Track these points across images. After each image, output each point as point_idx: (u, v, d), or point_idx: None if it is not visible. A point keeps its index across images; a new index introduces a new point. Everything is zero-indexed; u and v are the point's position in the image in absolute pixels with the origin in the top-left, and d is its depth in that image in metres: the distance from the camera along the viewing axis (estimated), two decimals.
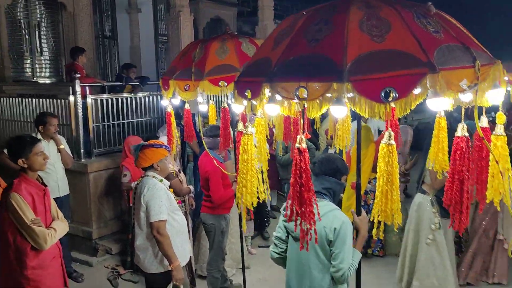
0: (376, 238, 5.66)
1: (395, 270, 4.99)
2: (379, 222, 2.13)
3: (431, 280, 4.49)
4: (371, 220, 2.19)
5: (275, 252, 2.84)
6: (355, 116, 2.60)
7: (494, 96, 2.12)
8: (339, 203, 4.57)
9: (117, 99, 6.56)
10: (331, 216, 2.56)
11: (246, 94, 2.21)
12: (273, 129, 3.64)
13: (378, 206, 2.07)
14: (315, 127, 4.30)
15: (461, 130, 2.11)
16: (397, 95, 1.91)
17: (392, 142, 2.01)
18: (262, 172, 2.67)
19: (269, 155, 2.83)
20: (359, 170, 2.61)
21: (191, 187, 4.86)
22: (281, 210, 2.76)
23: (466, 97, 2.15)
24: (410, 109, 2.00)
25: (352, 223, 2.66)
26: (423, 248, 4.52)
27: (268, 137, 2.78)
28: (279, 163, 6.93)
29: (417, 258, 4.60)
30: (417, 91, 1.99)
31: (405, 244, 4.78)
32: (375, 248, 5.82)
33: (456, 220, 2.19)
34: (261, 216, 6.33)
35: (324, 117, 5.11)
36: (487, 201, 2.21)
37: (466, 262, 5.00)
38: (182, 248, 3.71)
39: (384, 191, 2.05)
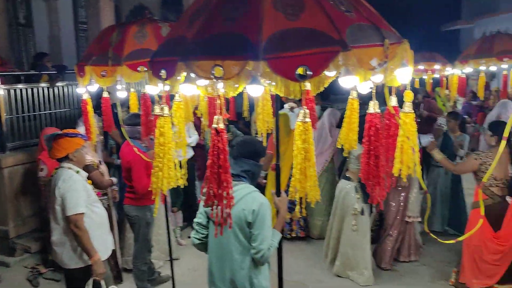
0: (296, 220, 5.86)
1: (321, 251, 5.15)
2: (301, 200, 2.16)
3: (351, 261, 4.74)
4: (290, 198, 2.21)
5: (196, 238, 2.80)
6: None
7: (402, 75, 2.20)
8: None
9: (32, 89, 6.18)
10: (250, 198, 2.56)
11: (161, 74, 2.13)
12: (201, 119, 3.58)
13: (296, 183, 2.08)
14: (243, 116, 4.31)
15: (373, 107, 2.18)
16: (311, 73, 1.92)
17: (308, 120, 2.03)
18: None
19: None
20: (278, 152, 2.62)
21: (114, 179, 4.67)
22: (200, 195, 2.71)
23: (377, 78, 2.23)
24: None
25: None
26: (346, 232, 4.74)
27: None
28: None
29: (340, 241, 4.82)
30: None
31: (330, 227, 4.98)
32: (297, 230, 5.95)
33: (374, 193, 2.27)
34: (190, 207, 6.24)
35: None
36: (395, 174, 2.30)
37: (384, 246, 5.12)
38: (103, 241, 3.55)
39: (303, 169, 2.07)
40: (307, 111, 2.03)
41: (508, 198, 4.15)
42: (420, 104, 8.39)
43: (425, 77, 9.27)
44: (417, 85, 9.61)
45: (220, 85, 1.99)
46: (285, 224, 5.96)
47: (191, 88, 2.13)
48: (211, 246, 2.73)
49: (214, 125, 1.98)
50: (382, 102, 2.40)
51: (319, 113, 7.51)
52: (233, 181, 2.57)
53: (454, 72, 8.04)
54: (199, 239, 2.79)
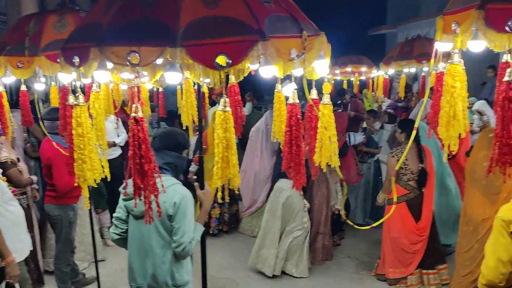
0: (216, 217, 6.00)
1: (250, 246, 5.16)
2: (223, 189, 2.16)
3: (288, 253, 4.73)
4: (213, 188, 2.20)
5: (115, 233, 2.71)
6: None
7: (320, 68, 2.26)
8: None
9: None
10: (171, 191, 2.51)
11: (74, 61, 2.04)
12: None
13: (219, 172, 2.08)
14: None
15: (293, 97, 2.23)
16: (230, 61, 1.92)
17: (228, 109, 2.03)
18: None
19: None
20: (201, 143, 2.60)
21: (34, 177, 4.42)
22: (120, 189, 2.62)
23: (297, 71, 2.29)
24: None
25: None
26: (292, 232, 4.71)
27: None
28: None
29: (287, 242, 4.74)
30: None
31: (269, 228, 4.82)
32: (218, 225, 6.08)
33: (296, 181, 2.32)
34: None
35: None
36: (316, 164, 2.37)
37: (316, 245, 5.19)
38: (19, 242, 3.35)
39: (225, 157, 2.07)
40: (227, 99, 2.03)
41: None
42: (348, 105, 8.68)
43: (352, 79, 9.65)
44: (345, 87, 9.95)
45: (138, 74, 1.94)
46: (213, 220, 5.99)
47: (106, 76, 2.05)
48: (131, 241, 2.66)
49: (133, 114, 1.93)
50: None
51: (251, 110, 7.61)
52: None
53: (379, 74, 8.44)
54: (118, 234, 2.70)
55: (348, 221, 3.01)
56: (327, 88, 2.31)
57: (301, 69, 2.24)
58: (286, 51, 2.07)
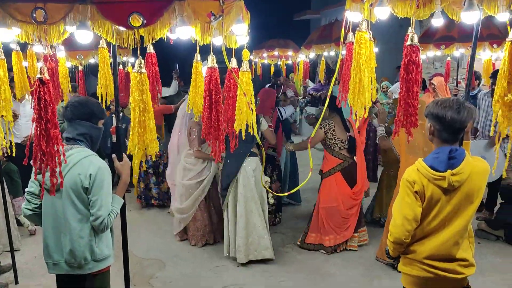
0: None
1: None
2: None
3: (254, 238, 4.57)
4: (127, 153, 2.14)
5: (27, 209, 2.55)
6: None
7: (239, 31, 2.27)
8: None
9: None
10: (86, 162, 2.41)
11: None
12: None
13: (135, 137, 2.02)
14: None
15: (211, 61, 2.22)
16: (144, 21, 1.87)
17: (143, 70, 1.98)
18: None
19: None
20: (118, 112, 2.51)
21: None
22: (31, 162, 2.46)
23: (217, 40, 2.27)
24: None
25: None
26: (258, 210, 4.56)
27: None
28: None
29: (250, 219, 4.55)
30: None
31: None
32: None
33: (215, 148, 2.31)
34: None
35: None
36: (236, 131, 2.39)
37: None
38: None
39: (142, 122, 2.02)
40: (142, 60, 1.98)
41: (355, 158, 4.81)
42: (282, 86, 8.79)
43: (279, 63, 9.80)
44: (271, 71, 10.09)
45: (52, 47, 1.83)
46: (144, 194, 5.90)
47: (8, 35, 1.91)
48: (46, 217, 2.52)
49: (39, 76, 1.82)
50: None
51: (176, 89, 7.47)
52: (67, 145, 2.43)
53: (301, 57, 8.64)
54: (31, 210, 2.55)
55: (269, 190, 3.08)
56: (246, 55, 2.33)
57: (221, 38, 2.23)
58: (204, 12, 2.05)
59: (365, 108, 2.41)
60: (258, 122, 4.62)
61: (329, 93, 2.97)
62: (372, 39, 2.35)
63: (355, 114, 2.39)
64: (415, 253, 2.43)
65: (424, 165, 2.33)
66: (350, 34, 2.56)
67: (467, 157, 2.32)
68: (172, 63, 7.70)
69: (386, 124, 4.90)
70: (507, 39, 1.97)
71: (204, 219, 5.05)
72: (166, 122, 6.81)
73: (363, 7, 2.25)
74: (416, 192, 2.32)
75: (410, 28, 2.18)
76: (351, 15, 2.46)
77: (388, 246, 2.52)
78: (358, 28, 2.23)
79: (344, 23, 2.49)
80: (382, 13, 2.22)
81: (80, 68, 5.55)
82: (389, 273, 4.25)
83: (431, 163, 2.32)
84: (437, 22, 3.28)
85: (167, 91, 7.70)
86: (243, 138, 2.52)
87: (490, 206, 5.71)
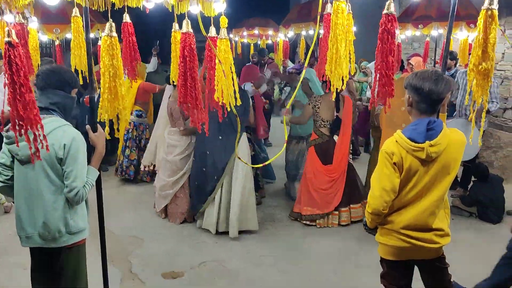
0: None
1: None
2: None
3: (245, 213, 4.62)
4: (101, 120, 2.09)
5: None
6: None
7: (217, 3, 2.21)
8: None
9: None
10: (60, 132, 2.34)
11: None
12: None
13: (105, 103, 1.97)
14: None
15: (186, 26, 2.16)
16: None
17: (114, 34, 1.92)
18: None
19: None
20: (91, 82, 2.44)
21: None
22: (3, 133, 2.39)
23: (194, 9, 2.21)
24: None
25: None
26: (242, 181, 4.59)
27: None
28: None
29: (245, 196, 4.60)
30: None
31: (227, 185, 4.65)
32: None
33: (194, 117, 2.27)
34: None
35: None
36: (219, 102, 2.35)
37: None
38: None
39: (112, 88, 1.97)
40: (113, 23, 1.91)
41: (335, 137, 4.92)
42: (266, 65, 8.72)
43: (259, 42, 9.69)
44: (252, 51, 9.99)
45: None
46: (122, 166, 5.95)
47: None
48: (18, 188, 2.45)
49: (7, 39, 1.75)
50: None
51: (156, 66, 7.33)
52: (40, 115, 2.35)
53: (280, 37, 8.56)
54: (2, 182, 2.47)
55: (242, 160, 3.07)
56: (224, 21, 2.28)
57: (198, 6, 2.18)
58: None
59: (342, 80, 2.39)
60: (246, 96, 4.63)
61: (302, 74, 2.95)
62: (350, 11, 2.33)
63: (333, 86, 2.37)
64: (393, 224, 2.46)
65: (402, 137, 2.35)
66: (328, 5, 2.53)
67: (445, 129, 2.35)
68: (151, 40, 7.54)
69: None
70: (482, 7, 1.97)
71: (184, 196, 5.01)
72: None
73: None
74: (394, 163, 2.34)
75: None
76: None
77: (366, 218, 2.54)
78: None
79: None
80: None
81: (57, 42, 5.40)
82: (366, 248, 4.31)
83: (409, 134, 2.34)
84: None
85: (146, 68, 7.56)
86: (228, 109, 2.46)
87: (464, 183, 5.84)
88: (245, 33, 8.98)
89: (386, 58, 2.09)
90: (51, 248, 2.51)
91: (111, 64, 1.91)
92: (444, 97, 2.33)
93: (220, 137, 4.62)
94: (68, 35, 5.37)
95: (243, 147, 4.64)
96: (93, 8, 1.91)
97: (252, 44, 9.89)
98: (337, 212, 4.91)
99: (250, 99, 4.83)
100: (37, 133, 1.84)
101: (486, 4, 1.93)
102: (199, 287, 3.76)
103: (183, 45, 2.15)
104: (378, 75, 2.17)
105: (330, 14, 2.35)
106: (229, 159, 4.59)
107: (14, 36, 1.74)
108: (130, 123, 6.01)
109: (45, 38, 5.24)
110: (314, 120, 4.90)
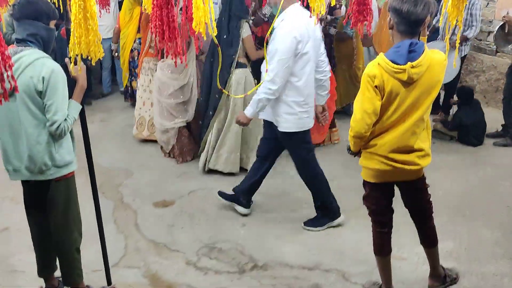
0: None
1: None
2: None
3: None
4: (74, 54, 2.03)
5: None
6: None
7: None
8: None
9: None
10: (38, 65, 2.30)
11: None
12: None
13: (76, 40, 1.89)
14: None
15: None
16: None
17: None
18: None
19: None
20: (66, 13, 2.33)
21: None
22: None
23: None
24: None
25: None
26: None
27: None
28: None
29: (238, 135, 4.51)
30: None
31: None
32: None
33: (169, 52, 2.22)
34: None
35: None
36: (196, 31, 2.27)
37: None
38: None
39: (80, 20, 1.88)
40: None
41: None
42: None
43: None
44: None
45: None
46: None
47: None
48: (2, 123, 2.44)
49: None
50: None
51: None
52: (18, 47, 2.30)
53: None
54: None
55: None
56: None
57: None
58: None
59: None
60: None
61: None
62: None
63: (313, 10, 2.32)
64: (375, 147, 2.52)
65: (385, 59, 2.35)
66: None
67: (426, 50, 2.35)
68: None
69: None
70: None
71: (188, 134, 4.94)
72: None
73: None
74: (376, 86, 2.36)
75: None
76: None
77: (349, 141, 2.60)
78: None
79: None
80: None
81: None
82: (349, 173, 4.43)
83: (392, 57, 2.35)
84: None
85: None
86: (216, 42, 2.39)
87: (445, 108, 5.92)
88: None
89: None
90: (40, 181, 2.55)
91: None
92: (423, 18, 2.33)
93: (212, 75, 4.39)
94: None
95: (241, 83, 4.38)
96: None
97: None
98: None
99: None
100: (5, 73, 1.77)
101: None
102: (190, 214, 3.89)
103: None
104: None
105: None
106: (222, 96, 4.37)
107: None
108: (134, 50, 5.93)
109: None
110: None
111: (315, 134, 4.91)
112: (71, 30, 1.89)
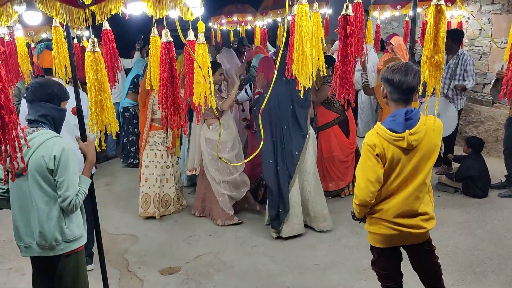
0: None
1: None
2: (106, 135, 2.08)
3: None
4: (90, 131, 2.12)
5: None
6: None
7: (193, 5, 2.23)
8: None
9: None
10: (50, 144, 2.39)
11: None
12: None
13: (93, 117, 2.00)
14: None
15: (164, 36, 2.19)
16: None
17: (97, 49, 1.94)
18: None
19: None
20: (77, 93, 2.46)
21: None
22: None
23: (173, 13, 2.22)
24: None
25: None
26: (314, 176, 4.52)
27: None
28: None
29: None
30: None
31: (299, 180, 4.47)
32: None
33: (171, 122, 2.31)
34: None
35: None
36: (196, 104, 2.38)
37: None
38: None
39: (98, 101, 1.99)
40: (95, 39, 1.93)
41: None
42: (245, 52, 8.64)
43: (238, 28, 9.62)
44: (232, 37, 9.93)
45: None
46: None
47: None
48: (14, 200, 2.51)
49: None
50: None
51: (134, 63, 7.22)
52: (30, 127, 2.40)
53: (258, 24, 8.53)
54: None
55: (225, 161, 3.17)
56: (201, 27, 2.30)
57: (176, 11, 2.20)
58: None
59: (309, 78, 2.41)
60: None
61: (278, 58, 2.95)
62: (317, 10, 2.31)
63: (300, 84, 2.41)
64: (380, 212, 2.55)
65: (383, 128, 2.42)
66: (294, 7, 2.54)
67: (422, 117, 2.43)
68: (135, 35, 7.46)
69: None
70: (431, 3, 2.01)
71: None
72: None
73: None
74: (377, 154, 2.42)
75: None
76: None
77: (354, 209, 2.62)
78: (298, 1, 2.23)
79: None
80: None
81: (32, 45, 5.34)
82: (356, 231, 4.42)
83: (389, 125, 2.42)
84: None
85: (129, 63, 7.48)
86: (203, 111, 2.49)
87: (447, 159, 5.97)
88: (223, 21, 8.89)
89: (344, 60, 2.15)
90: (50, 256, 2.57)
91: (96, 78, 1.94)
92: (415, 86, 2.42)
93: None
94: (43, 35, 5.29)
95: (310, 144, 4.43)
96: (73, 26, 1.92)
97: (231, 31, 9.82)
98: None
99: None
100: (17, 154, 1.84)
101: (434, 0, 1.97)
102: (197, 282, 3.84)
103: (163, 54, 2.17)
104: (338, 74, 2.23)
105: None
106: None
107: None
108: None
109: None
110: (333, 100, 5.16)
111: (342, 176, 5.32)
112: (89, 109, 1.99)
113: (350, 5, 2.17)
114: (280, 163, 4.33)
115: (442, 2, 1.94)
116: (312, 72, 2.22)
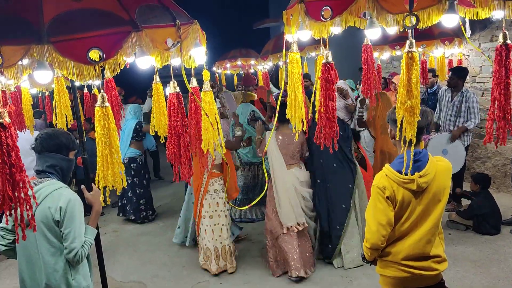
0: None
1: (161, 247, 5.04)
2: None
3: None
4: (96, 186, 2.13)
5: (1, 245, 2.52)
6: None
7: (198, 55, 2.30)
8: None
9: None
10: (56, 195, 2.39)
11: None
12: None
13: (100, 172, 2.03)
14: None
15: (172, 87, 2.24)
16: (103, 55, 1.88)
17: (107, 104, 1.99)
18: None
19: None
20: (83, 143, 2.50)
21: None
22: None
23: (176, 61, 2.30)
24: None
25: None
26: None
27: None
28: None
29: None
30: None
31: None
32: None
33: (184, 171, 2.33)
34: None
35: None
36: (204, 151, 2.41)
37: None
38: None
39: (105, 156, 2.02)
40: (105, 95, 1.98)
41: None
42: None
43: (242, 72, 9.83)
44: (235, 81, 10.13)
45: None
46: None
47: None
48: (20, 251, 2.49)
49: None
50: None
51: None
52: (38, 178, 2.42)
53: (259, 68, 8.76)
54: (5, 245, 2.52)
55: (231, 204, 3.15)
56: (207, 75, 2.36)
57: (179, 58, 2.26)
58: (162, 40, 2.07)
59: (302, 122, 2.44)
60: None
61: (278, 102, 3.02)
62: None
63: (295, 128, 2.45)
64: (391, 255, 2.50)
65: (392, 170, 2.41)
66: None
67: (431, 159, 2.43)
68: (145, 82, 7.64)
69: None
70: (404, 51, 2.03)
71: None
72: None
73: (289, 29, 2.37)
74: (387, 197, 2.40)
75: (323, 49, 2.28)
76: (289, 37, 2.52)
77: (364, 252, 2.58)
78: (289, 50, 2.30)
79: (284, 45, 2.52)
80: (304, 35, 2.37)
81: (46, 93, 5.46)
82: (368, 273, 4.34)
83: (398, 167, 2.40)
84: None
85: (140, 109, 7.54)
86: (213, 157, 2.53)
87: (456, 197, 5.91)
88: (228, 65, 9.11)
89: (326, 103, 2.19)
90: None
91: (103, 133, 1.97)
92: (423, 127, 2.41)
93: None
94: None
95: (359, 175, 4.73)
96: (83, 82, 1.99)
97: (235, 75, 10.03)
98: None
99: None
100: (25, 213, 1.85)
101: (406, 48, 2.00)
102: None
103: (169, 105, 2.22)
104: (320, 117, 2.26)
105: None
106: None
107: (7, 118, 1.77)
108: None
109: (34, 90, 5.27)
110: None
111: None
112: (97, 163, 2.02)
113: (330, 54, 2.23)
114: None
115: (414, 49, 1.96)
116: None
